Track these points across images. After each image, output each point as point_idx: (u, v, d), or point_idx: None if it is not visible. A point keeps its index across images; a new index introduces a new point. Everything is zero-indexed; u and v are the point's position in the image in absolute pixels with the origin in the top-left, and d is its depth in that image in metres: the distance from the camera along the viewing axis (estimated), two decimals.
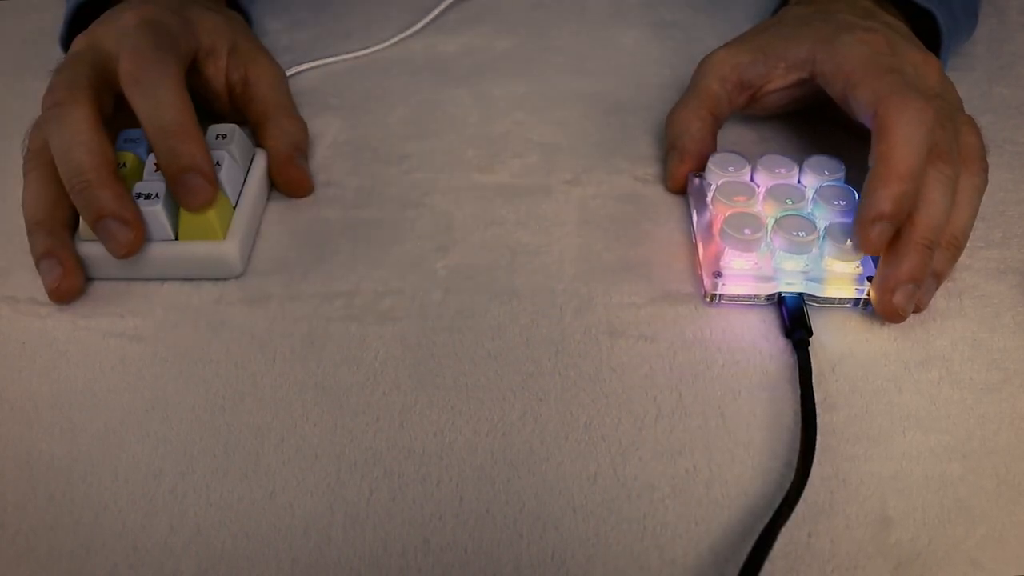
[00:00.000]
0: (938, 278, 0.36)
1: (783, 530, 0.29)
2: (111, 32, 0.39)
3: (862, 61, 0.38)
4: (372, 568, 0.29)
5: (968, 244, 0.39)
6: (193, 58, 0.42)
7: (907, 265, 0.34)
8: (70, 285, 0.37)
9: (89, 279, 0.39)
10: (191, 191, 0.36)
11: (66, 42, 0.45)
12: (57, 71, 0.38)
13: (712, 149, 0.42)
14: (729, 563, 0.29)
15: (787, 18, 0.44)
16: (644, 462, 0.32)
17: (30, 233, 0.38)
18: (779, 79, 0.42)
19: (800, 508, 0.30)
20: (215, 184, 0.37)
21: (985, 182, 0.37)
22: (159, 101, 0.36)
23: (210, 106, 0.45)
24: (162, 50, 0.37)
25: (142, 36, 0.38)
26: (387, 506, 0.31)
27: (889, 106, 0.35)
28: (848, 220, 0.36)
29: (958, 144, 0.36)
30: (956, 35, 0.45)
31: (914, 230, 0.34)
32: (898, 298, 0.34)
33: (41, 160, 0.37)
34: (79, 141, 0.35)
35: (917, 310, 0.36)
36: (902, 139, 0.34)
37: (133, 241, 0.36)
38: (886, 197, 0.34)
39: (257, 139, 0.44)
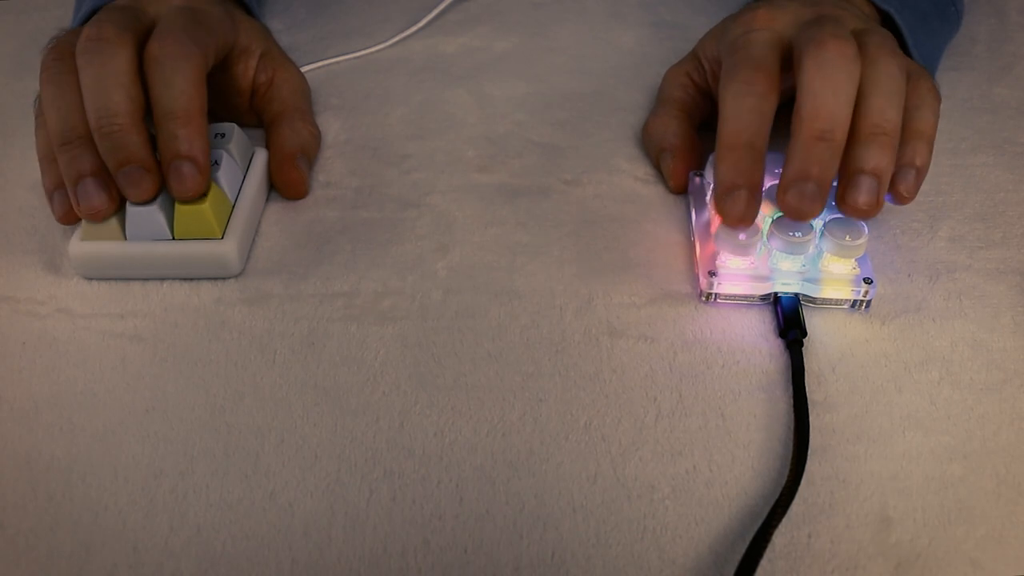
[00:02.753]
0: (917, 169, 0.35)
1: (783, 530, 0.29)
2: (157, 5, 0.39)
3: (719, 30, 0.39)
4: (372, 568, 0.29)
5: (968, 244, 0.40)
6: (227, 53, 0.42)
7: (795, 164, 0.34)
8: (111, 209, 0.36)
9: (88, 279, 0.39)
10: (181, 178, 0.36)
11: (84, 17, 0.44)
12: (107, 10, 0.37)
13: (697, 145, 0.43)
14: (729, 563, 0.29)
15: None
16: (644, 462, 0.32)
17: (68, 144, 0.35)
18: (717, 75, 0.42)
19: (800, 508, 0.30)
20: (207, 176, 0.37)
21: (898, 67, 0.35)
22: (173, 85, 0.36)
23: (230, 102, 0.45)
24: (192, 38, 0.37)
25: (178, 20, 0.37)
26: (387, 507, 0.31)
27: (722, 83, 0.36)
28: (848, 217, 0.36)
29: (865, 40, 0.35)
30: (927, 33, 0.44)
31: (799, 125, 0.34)
32: (790, 198, 0.34)
33: (71, 68, 0.36)
34: (120, 83, 0.35)
35: (902, 201, 0.36)
36: (729, 113, 0.35)
37: (152, 188, 0.36)
38: (722, 171, 0.35)
39: (268, 139, 0.44)
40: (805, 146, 0.33)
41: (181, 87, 0.36)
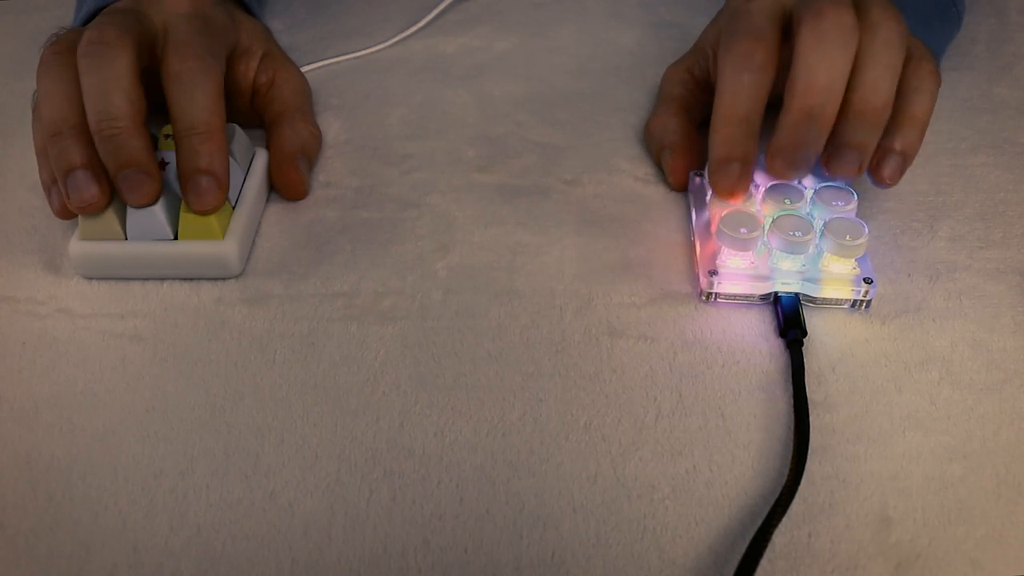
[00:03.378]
0: (903, 156, 0.36)
1: (783, 530, 0.29)
2: (160, 9, 0.39)
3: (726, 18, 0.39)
4: (372, 568, 0.29)
5: (968, 244, 0.40)
6: (229, 54, 0.42)
7: (785, 136, 0.35)
8: (103, 201, 0.36)
9: (89, 279, 0.39)
10: (200, 193, 0.36)
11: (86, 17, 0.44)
12: (108, 12, 0.38)
13: (697, 143, 0.43)
14: (729, 563, 0.29)
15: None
16: (644, 462, 0.32)
17: (59, 136, 0.35)
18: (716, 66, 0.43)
19: (800, 508, 0.30)
20: (226, 191, 0.37)
21: (899, 36, 0.35)
22: (194, 99, 0.36)
23: (230, 102, 0.45)
24: (209, 51, 0.37)
25: (192, 31, 0.37)
26: (387, 507, 0.31)
27: (720, 54, 0.37)
28: (848, 216, 0.36)
29: (866, 4, 0.35)
30: (928, 34, 0.44)
31: (791, 98, 0.35)
32: (778, 164, 0.36)
33: (69, 62, 0.36)
34: (121, 86, 0.35)
35: (885, 185, 0.37)
36: (727, 85, 0.36)
37: (153, 193, 0.36)
38: (716, 143, 0.36)
39: (268, 140, 0.44)
40: (795, 121, 0.35)
41: (202, 103, 0.36)
